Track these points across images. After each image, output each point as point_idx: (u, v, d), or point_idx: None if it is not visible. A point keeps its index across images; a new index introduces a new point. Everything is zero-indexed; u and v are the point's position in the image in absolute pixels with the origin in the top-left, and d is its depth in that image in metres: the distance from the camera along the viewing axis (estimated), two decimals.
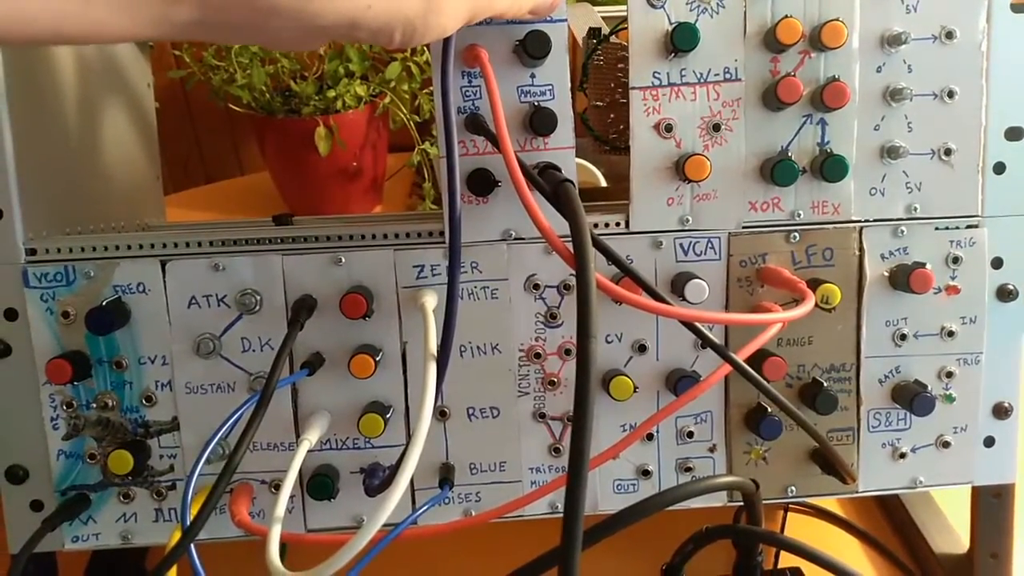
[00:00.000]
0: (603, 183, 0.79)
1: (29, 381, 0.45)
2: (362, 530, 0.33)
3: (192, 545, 0.36)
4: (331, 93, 0.94)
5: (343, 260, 0.45)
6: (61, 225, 0.49)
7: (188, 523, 0.36)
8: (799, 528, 0.59)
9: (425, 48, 0.96)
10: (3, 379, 0.45)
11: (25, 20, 0.24)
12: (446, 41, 0.39)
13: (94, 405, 0.46)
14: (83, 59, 0.54)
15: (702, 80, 0.44)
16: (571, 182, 0.39)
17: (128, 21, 0.26)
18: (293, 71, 0.96)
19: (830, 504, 0.61)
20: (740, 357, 0.39)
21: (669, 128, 0.45)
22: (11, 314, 0.45)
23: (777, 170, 0.44)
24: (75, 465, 0.46)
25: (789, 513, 0.60)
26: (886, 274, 0.47)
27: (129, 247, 0.45)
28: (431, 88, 0.97)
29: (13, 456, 0.46)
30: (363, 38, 0.31)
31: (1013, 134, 0.46)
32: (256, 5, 0.27)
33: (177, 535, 0.37)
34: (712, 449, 0.48)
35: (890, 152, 0.46)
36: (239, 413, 0.40)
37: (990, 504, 0.50)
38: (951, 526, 0.57)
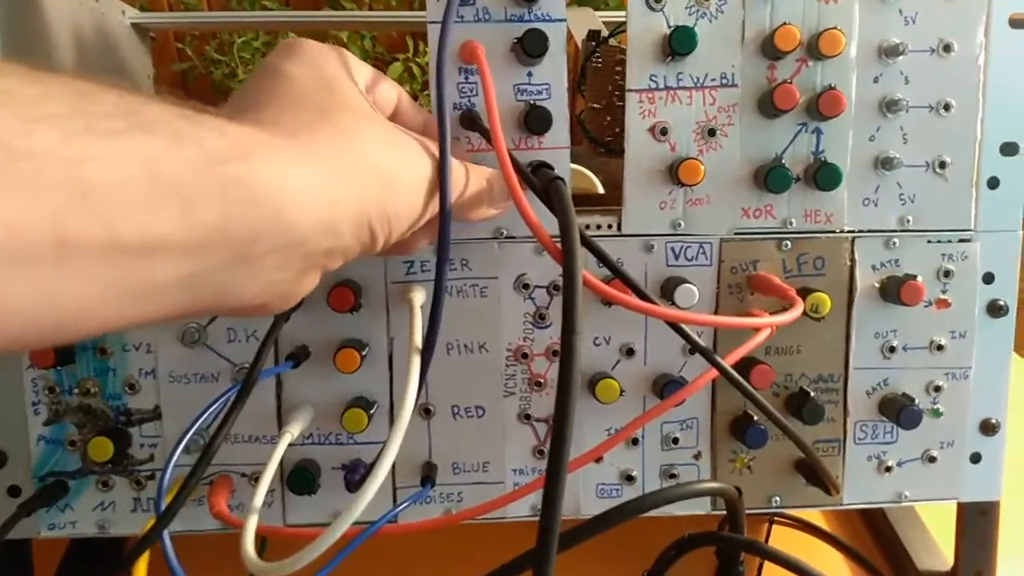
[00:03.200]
0: (601, 190, 0.79)
1: (12, 365, 0.45)
2: (337, 521, 0.32)
3: (166, 533, 0.36)
4: None
5: None
6: None
7: (162, 510, 0.36)
8: (783, 540, 0.58)
9: (427, 49, 0.96)
10: None
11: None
12: (442, 36, 0.39)
13: (76, 391, 0.45)
14: (82, 45, 0.54)
15: (699, 84, 0.44)
16: (562, 180, 0.39)
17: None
18: None
19: (815, 517, 0.60)
20: (727, 363, 0.39)
21: (664, 131, 0.44)
22: None
23: (771, 177, 0.44)
24: (55, 451, 0.46)
25: (774, 525, 0.60)
26: (877, 285, 0.47)
27: None
28: None
29: None
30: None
31: (1008, 149, 0.46)
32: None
33: (152, 523, 0.37)
34: (697, 456, 0.48)
35: (884, 163, 0.45)
36: (219, 402, 0.39)
37: (976, 522, 0.50)
38: (936, 543, 0.56)
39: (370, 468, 0.41)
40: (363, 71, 0.38)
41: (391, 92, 0.40)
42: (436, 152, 0.36)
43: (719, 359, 0.38)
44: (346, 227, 0.30)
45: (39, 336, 0.22)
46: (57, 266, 0.21)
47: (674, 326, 0.38)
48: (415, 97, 0.99)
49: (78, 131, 0.21)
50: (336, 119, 0.32)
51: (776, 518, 0.59)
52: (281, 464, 0.45)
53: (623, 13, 0.47)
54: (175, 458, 0.37)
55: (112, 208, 0.21)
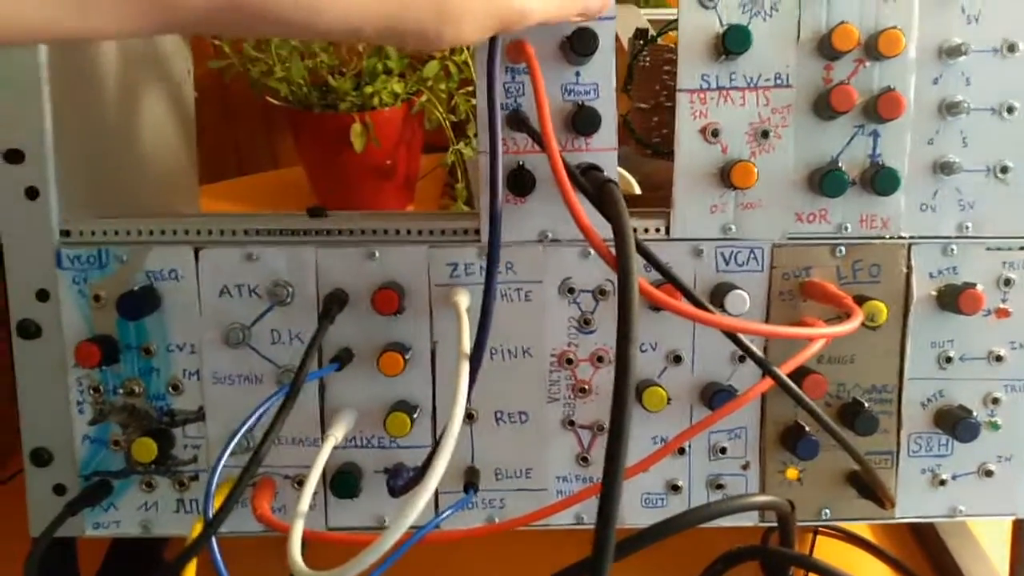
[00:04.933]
0: (638, 191, 0.78)
1: (57, 363, 0.45)
2: (389, 531, 0.32)
3: (213, 537, 0.35)
4: (368, 89, 0.94)
5: (377, 255, 0.44)
6: (95, 209, 0.48)
7: (211, 514, 0.35)
8: (829, 552, 0.57)
9: (464, 48, 0.95)
10: (32, 360, 0.45)
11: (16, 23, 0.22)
12: (492, 36, 0.39)
13: (121, 391, 0.45)
14: (125, 43, 0.54)
15: (752, 84, 0.43)
16: (614, 182, 0.38)
17: (130, 27, 0.24)
18: (331, 66, 0.96)
19: (862, 530, 0.59)
20: (782, 372, 0.38)
21: (716, 133, 0.43)
22: (43, 295, 0.44)
23: (826, 181, 0.43)
24: (99, 451, 0.46)
25: (818, 537, 0.58)
26: (934, 293, 0.45)
27: (163, 232, 0.45)
28: (468, 88, 0.97)
29: (39, 439, 0.46)
30: (369, 39, 0.29)
31: None
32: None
33: (199, 526, 0.37)
34: (745, 467, 0.47)
35: (943, 167, 0.44)
36: (267, 405, 0.39)
37: None
38: (988, 557, 0.55)
39: (416, 476, 0.40)
40: None
41: None
42: None
43: (776, 370, 0.37)
44: (371, 34, 0.28)
45: None
46: None
47: (730, 335, 0.37)
48: (450, 96, 0.99)
49: None
50: None
51: (821, 529, 0.58)
52: (324, 467, 0.45)
53: (668, 11, 0.46)
54: (224, 459, 0.37)
55: None
